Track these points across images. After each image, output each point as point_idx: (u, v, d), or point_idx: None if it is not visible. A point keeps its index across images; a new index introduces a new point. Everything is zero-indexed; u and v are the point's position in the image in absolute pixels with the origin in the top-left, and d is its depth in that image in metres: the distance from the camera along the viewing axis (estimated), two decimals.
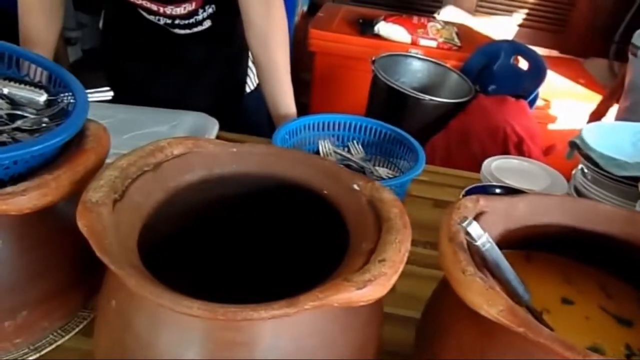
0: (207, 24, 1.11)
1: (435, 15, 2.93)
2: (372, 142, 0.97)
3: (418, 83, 1.73)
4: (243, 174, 0.61)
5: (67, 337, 0.60)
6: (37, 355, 0.57)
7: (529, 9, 3.03)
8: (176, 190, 0.57)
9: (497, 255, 0.47)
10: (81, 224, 0.43)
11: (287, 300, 0.39)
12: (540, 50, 2.68)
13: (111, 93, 0.71)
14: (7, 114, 0.59)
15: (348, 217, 0.53)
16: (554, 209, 0.59)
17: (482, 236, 0.46)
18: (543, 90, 1.54)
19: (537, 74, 1.48)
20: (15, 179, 0.51)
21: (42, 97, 0.60)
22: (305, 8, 2.92)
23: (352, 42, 2.35)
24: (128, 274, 0.40)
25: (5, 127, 0.57)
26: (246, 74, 1.25)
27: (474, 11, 3.05)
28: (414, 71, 1.73)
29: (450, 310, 0.51)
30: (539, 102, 1.69)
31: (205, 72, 1.16)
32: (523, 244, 0.60)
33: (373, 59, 1.57)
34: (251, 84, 1.27)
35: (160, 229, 0.53)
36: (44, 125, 0.58)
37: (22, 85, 0.59)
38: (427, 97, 1.47)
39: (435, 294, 0.58)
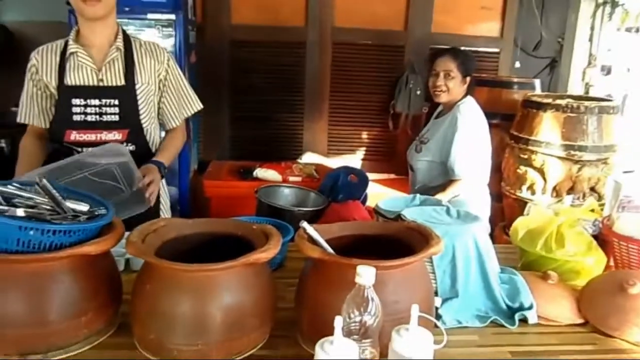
0: None
1: (299, 160, 3.78)
2: None
3: (290, 203, 2.38)
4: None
5: (107, 334, 1.09)
6: (90, 346, 1.05)
7: (366, 147, 4.02)
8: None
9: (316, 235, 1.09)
10: None
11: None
12: (378, 175, 3.59)
13: None
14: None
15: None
16: (349, 227, 1.24)
17: (308, 228, 1.08)
18: None
19: (363, 183, 2.24)
20: (56, 247, 1.01)
21: (85, 207, 1.14)
22: (196, 166, 3.63)
23: (238, 185, 3.05)
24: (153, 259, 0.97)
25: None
26: None
27: (327, 154, 3.98)
28: (285, 195, 2.39)
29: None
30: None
31: None
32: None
33: (256, 189, 2.22)
34: None
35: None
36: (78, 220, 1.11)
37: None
38: (296, 208, 2.13)
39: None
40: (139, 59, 1.74)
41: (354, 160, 4.00)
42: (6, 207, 1.01)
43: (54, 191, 1.08)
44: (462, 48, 2.59)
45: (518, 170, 2.91)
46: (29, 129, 1.79)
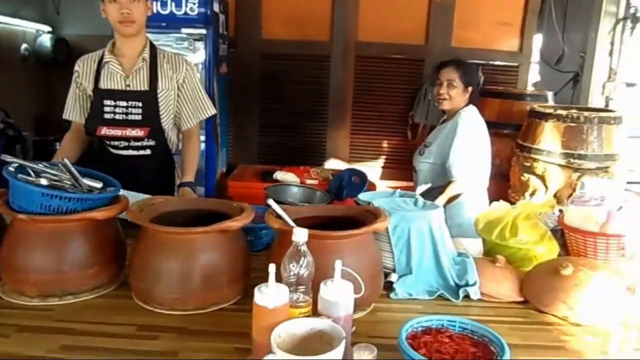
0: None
1: (322, 166, 4.01)
2: None
3: (297, 200, 2.60)
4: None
5: (111, 288, 1.35)
6: (96, 295, 1.31)
7: (386, 155, 4.21)
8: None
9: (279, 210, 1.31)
10: None
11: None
12: (397, 183, 3.76)
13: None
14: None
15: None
16: (317, 210, 1.45)
17: (273, 204, 1.30)
18: None
19: (363, 183, 2.44)
20: (71, 212, 1.28)
21: (99, 185, 1.41)
22: (224, 169, 3.92)
23: (258, 186, 3.29)
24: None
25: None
26: None
27: (349, 160, 4.19)
28: (294, 193, 2.61)
29: None
30: None
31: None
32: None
33: (265, 187, 2.45)
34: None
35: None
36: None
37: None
38: (300, 203, 2.35)
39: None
40: (161, 68, 2.03)
41: (375, 167, 4.20)
42: (34, 178, 1.28)
43: (73, 169, 1.35)
44: (479, 61, 2.76)
45: (522, 178, 3.03)
46: (72, 125, 2.10)
